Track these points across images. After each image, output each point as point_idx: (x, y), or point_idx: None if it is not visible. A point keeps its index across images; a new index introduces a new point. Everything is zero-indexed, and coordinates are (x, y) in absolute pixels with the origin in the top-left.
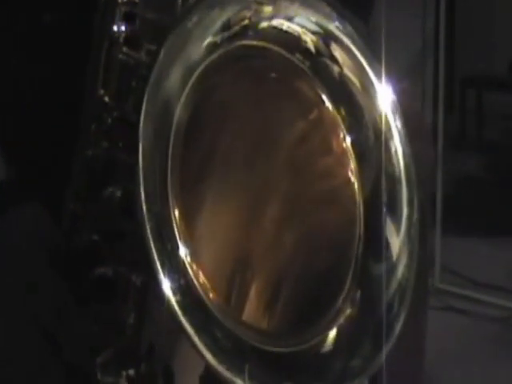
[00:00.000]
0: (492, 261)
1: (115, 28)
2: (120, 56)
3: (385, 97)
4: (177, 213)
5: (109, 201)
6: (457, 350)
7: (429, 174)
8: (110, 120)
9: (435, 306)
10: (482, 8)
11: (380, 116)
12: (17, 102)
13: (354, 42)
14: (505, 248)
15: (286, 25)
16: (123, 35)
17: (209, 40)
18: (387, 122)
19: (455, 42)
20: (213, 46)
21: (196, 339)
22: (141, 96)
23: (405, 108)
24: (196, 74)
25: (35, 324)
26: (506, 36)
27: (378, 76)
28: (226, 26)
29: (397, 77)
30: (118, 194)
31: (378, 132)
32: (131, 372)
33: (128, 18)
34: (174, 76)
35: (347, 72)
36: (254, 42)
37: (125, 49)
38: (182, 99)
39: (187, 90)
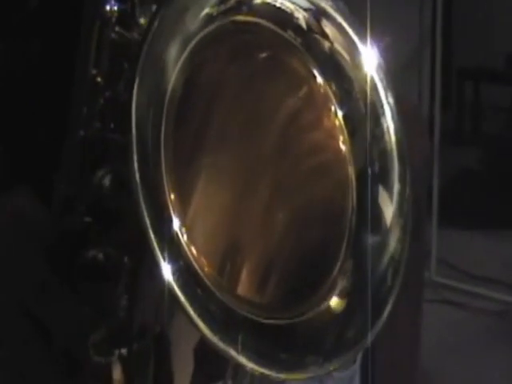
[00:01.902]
0: (488, 254)
1: (107, 7)
2: (112, 35)
3: (371, 60)
4: (171, 189)
5: (101, 182)
6: (453, 342)
7: (425, 166)
8: (102, 100)
9: (431, 298)
10: (479, 0)
11: (370, 88)
12: (5, 82)
13: (345, 19)
14: (501, 241)
15: (279, 1)
16: (115, 14)
17: (206, 11)
18: (379, 98)
19: (452, 34)
20: (209, 18)
21: (190, 311)
22: (132, 72)
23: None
24: (190, 46)
25: (20, 307)
26: (504, 28)
27: (364, 43)
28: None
29: (383, 41)
30: (111, 175)
31: (367, 103)
32: (123, 351)
33: None
34: (169, 48)
35: (338, 47)
36: (248, 18)
37: (117, 28)
38: (176, 72)
39: (181, 62)
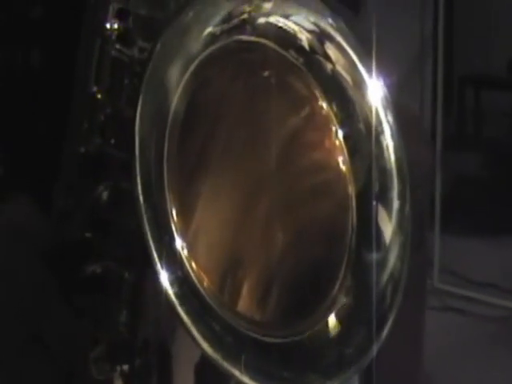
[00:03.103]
0: (490, 261)
1: (108, 25)
2: (113, 53)
3: (375, 91)
4: (173, 205)
5: (100, 197)
6: (455, 349)
7: (427, 173)
8: (102, 117)
9: (434, 305)
10: (480, 7)
11: (371, 110)
12: (8, 98)
13: (346, 40)
14: (503, 248)
15: (282, 22)
16: (116, 32)
17: (209, 30)
18: (378, 117)
19: (454, 41)
20: (212, 37)
21: (193, 329)
22: (137, 89)
23: (398, 104)
24: (193, 66)
25: (19, 321)
26: (505, 35)
27: (369, 71)
28: (226, 19)
29: (388, 71)
30: (110, 189)
31: (369, 126)
32: (125, 367)
33: (121, 15)
34: (172, 68)
35: (339, 69)
36: (251, 37)
37: (117, 45)
38: (179, 91)
39: (184, 82)
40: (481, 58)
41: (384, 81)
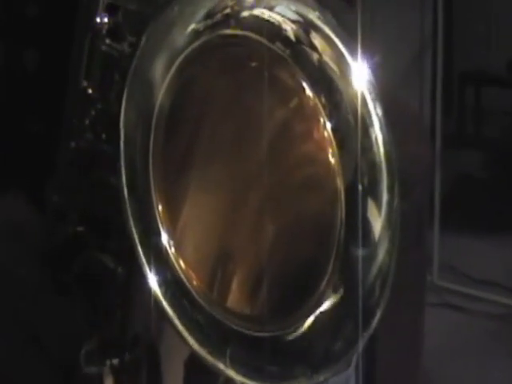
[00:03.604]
0: (490, 258)
1: (98, 20)
2: (103, 48)
3: (361, 75)
4: (159, 202)
5: (93, 192)
6: (454, 346)
7: (426, 170)
8: (93, 112)
9: (433, 302)
10: (480, 4)
11: (358, 98)
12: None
13: (332, 30)
14: (503, 245)
15: (266, 14)
16: (106, 27)
17: (192, 27)
18: (367, 109)
19: (453, 38)
20: (195, 34)
21: (179, 325)
22: (123, 84)
23: (397, 102)
24: (178, 62)
25: (12, 314)
26: (505, 33)
27: (355, 58)
28: (210, 14)
29: (373, 54)
30: (102, 184)
31: (356, 115)
32: (115, 361)
33: (111, 10)
34: (156, 64)
35: (326, 59)
36: (236, 31)
37: (108, 40)
38: (164, 87)
39: (169, 77)
40: (481, 56)
41: (369, 63)
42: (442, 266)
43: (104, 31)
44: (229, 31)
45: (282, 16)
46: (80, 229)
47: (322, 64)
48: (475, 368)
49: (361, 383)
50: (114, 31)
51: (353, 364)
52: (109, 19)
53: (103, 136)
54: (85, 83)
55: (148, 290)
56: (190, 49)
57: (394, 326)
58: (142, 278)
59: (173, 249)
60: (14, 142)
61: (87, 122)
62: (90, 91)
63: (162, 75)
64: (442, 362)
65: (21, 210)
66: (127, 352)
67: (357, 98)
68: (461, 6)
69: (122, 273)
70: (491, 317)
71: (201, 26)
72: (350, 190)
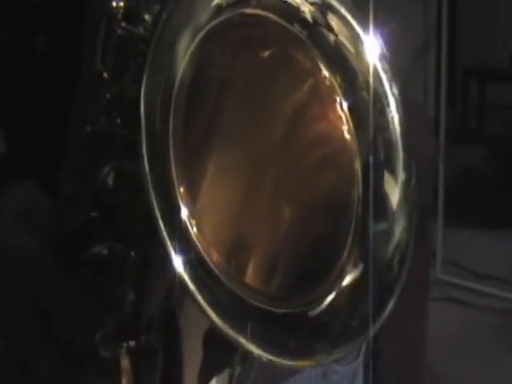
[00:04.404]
0: (493, 252)
1: (114, 3)
2: (119, 31)
3: (374, 50)
4: (180, 181)
5: (107, 177)
6: (458, 340)
7: (430, 163)
8: (108, 96)
9: (437, 297)
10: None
11: (372, 74)
12: (12, 78)
13: (348, 10)
14: (506, 239)
15: None
16: (122, 10)
17: (216, 2)
18: (383, 89)
19: (457, 33)
20: (218, 9)
21: (200, 299)
22: (138, 67)
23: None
24: (199, 37)
25: (25, 299)
26: (509, 28)
27: (367, 32)
28: None
29: (385, 28)
30: (117, 170)
31: (373, 96)
32: (132, 344)
33: None
34: (179, 38)
35: (342, 39)
36: (256, 11)
37: (123, 24)
38: (185, 62)
39: (189, 52)
40: (485, 50)
41: (383, 40)
42: (445, 261)
43: (120, 15)
44: (249, 10)
45: None
46: (93, 214)
47: (337, 44)
48: (478, 362)
49: (370, 373)
50: (129, 14)
51: (361, 356)
52: (125, 2)
53: (118, 120)
54: (100, 67)
55: (171, 267)
56: (210, 25)
57: (398, 320)
58: (160, 258)
59: (194, 228)
60: (26, 128)
61: (102, 105)
62: (105, 75)
63: (182, 52)
64: (445, 356)
65: (34, 195)
66: (143, 334)
67: (372, 76)
68: (465, 1)
69: (135, 257)
70: (494, 311)
71: (224, 2)
72: (367, 166)
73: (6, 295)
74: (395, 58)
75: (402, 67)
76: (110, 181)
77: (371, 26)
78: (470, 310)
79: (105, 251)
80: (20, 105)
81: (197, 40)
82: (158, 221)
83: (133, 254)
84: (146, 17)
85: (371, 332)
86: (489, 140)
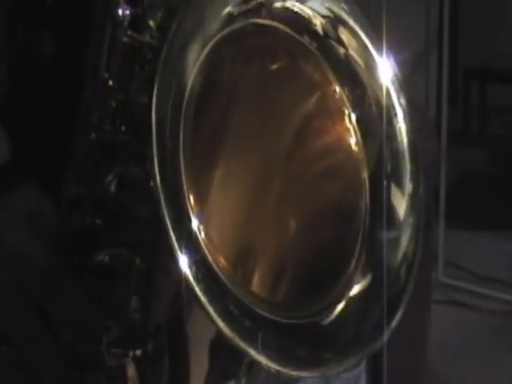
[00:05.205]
0: (495, 255)
1: (119, 11)
2: (124, 39)
3: (386, 72)
4: (189, 187)
5: (111, 184)
6: (459, 343)
7: (432, 165)
8: (113, 103)
9: (438, 299)
10: (486, 1)
11: (383, 92)
12: (18, 84)
13: (359, 24)
14: (508, 242)
15: (297, 7)
16: (128, 18)
17: (228, 10)
18: (391, 99)
19: (459, 34)
20: (229, 18)
21: (210, 308)
22: (150, 74)
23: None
24: (209, 46)
25: (25, 298)
26: (510, 29)
27: (380, 53)
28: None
29: (399, 50)
30: (122, 176)
31: (381, 108)
32: (138, 352)
33: (132, 1)
34: (189, 47)
35: (352, 53)
36: (267, 21)
37: (129, 32)
38: (195, 71)
39: (200, 62)
40: (486, 52)
41: (395, 59)
42: (447, 263)
43: (125, 23)
44: (260, 20)
45: (313, 10)
46: (98, 220)
47: (347, 58)
48: (479, 364)
49: (385, 375)
50: (135, 22)
51: (364, 361)
52: (131, 11)
53: (123, 127)
54: (105, 75)
55: (179, 273)
56: (222, 33)
57: (400, 322)
58: (166, 266)
59: (202, 234)
60: (31, 132)
61: (107, 113)
62: (110, 83)
63: (193, 59)
64: (447, 358)
65: (38, 200)
66: (150, 341)
67: (381, 89)
68: (467, 2)
69: (140, 264)
70: (496, 313)
71: (236, 10)
72: (374, 177)
73: (9, 299)
74: (396, 60)
75: (404, 69)
76: (115, 187)
77: (384, 47)
78: (471, 312)
79: (109, 257)
80: (25, 110)
81: (208, 48)
82: (167, 227)
83: (138, 260)
84: (152, 24)
85: (385, 336)
86: (490, 142)
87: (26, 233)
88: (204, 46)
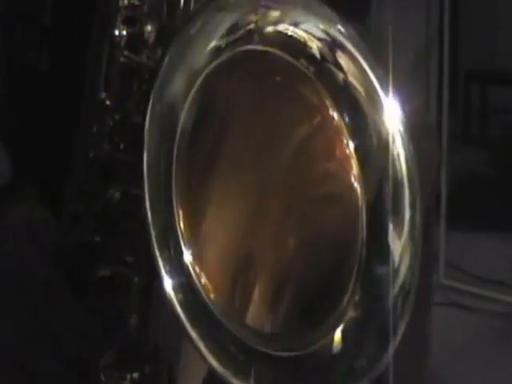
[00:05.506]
0: (496, 257)
1: (116, 32)
2: (121, 59)
3: (392, 111)
4: (181, 214)
5: (110, 201)
6: (461, 345)
7: (433, 167)
8: (111, 122)
9: (439, 301)
10: (486, 3)
11: (383, 123)
12: (18, 103)
13: (357, 48)
14: (509, 244)
15: (291, 30)
16: (124, 39)
17: (214, 44)
18: (390, 127)
19: (459, 36)
20: (217, 51)
21: (200, 344)
22: (146, 100)
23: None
24: (200, 78)
25: (30, 315)
26: (510, 31)
27: (383, 85)
28: (232, 30)
29: (402, 86)
30: (120, 194)
31: (381, 138)
32: (135, 375)
33: (129, 22)
34: (179, 80)
35: (352, 79)
36: (259, 47)
37: (126, 52)
38: (187, 103)
39: (192, 94)
40: (486, 53)
41: (400, 102)
42: (448, 265)
43: (122, 43)
44: (251, 47)
45: (308, 33)
46: (97, 237)
47: (347, 84)
48: (481, 366)
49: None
50: (132, 43)
51: None
52: (127, 31)
53: (121, 146)
54: (103, 94)
55: (170, 311)
56: (212, 66)
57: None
58: (161, 292)
59: (193, 261)
60: (32, 149)
61: (105, 132)
62: (107, 102)
63: (184, 93)
64: (448, 360)
65: (39, 216)
66: (147, 364)
67: (381, 119)
68: (467, 4)
69: (139, 282)
70: (497, 315)
71: (223, 43)
72: (372, 208)
73: (9, 310)
74: (397, 62)
75: (404, 71)
76: (115, 204)
77: (391, 89)
78: (472, 315)
79: (109, 274)
80: (26, 130)
81: (198, 81)
82: (155, 254)
83: (136, 278)
84: (149, 45)
85: (390, 350)
86: (491, 143)
87: (25, 250)
88: (194, 80)
